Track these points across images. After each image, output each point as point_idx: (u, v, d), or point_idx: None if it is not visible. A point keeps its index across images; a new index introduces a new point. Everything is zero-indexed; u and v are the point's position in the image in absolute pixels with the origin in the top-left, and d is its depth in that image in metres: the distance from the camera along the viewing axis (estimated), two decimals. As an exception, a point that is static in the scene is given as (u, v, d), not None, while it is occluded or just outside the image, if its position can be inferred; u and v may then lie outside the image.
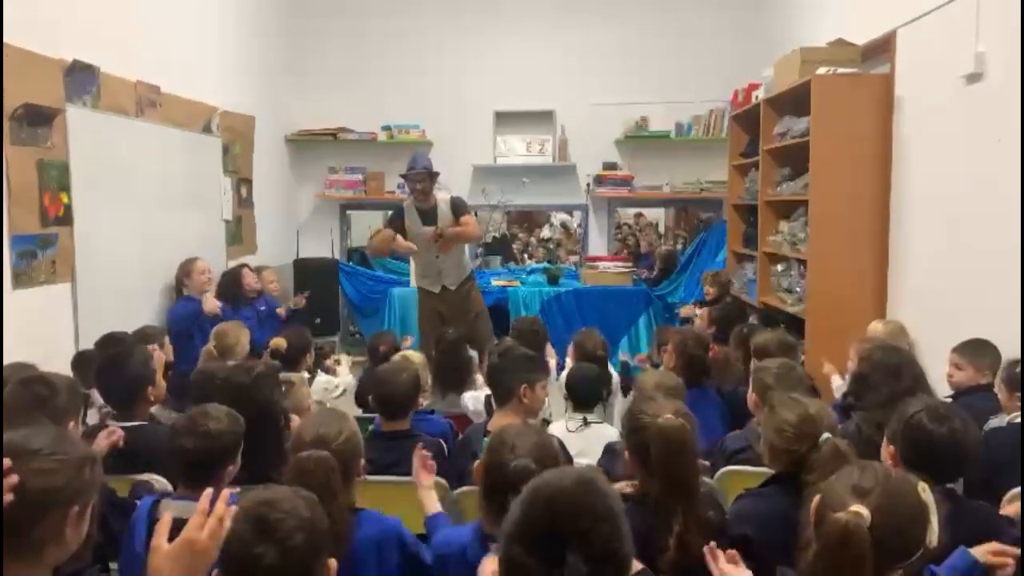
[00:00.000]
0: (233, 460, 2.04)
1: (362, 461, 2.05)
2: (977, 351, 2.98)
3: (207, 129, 5.25)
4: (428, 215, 4.79)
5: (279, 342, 4.06)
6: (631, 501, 1.82)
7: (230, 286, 4.94)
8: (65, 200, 3.73)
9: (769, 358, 2.90)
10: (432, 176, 4.79)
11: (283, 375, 3.14)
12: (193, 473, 1.98)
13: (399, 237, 4.71)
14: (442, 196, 4.87)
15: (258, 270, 5.28)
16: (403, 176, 4.91)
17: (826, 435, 1.89)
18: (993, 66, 3.28)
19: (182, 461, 1.99)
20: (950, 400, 2.76)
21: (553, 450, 1.93)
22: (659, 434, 1.87)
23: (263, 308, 5.01)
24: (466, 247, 5.23)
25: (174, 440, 2.00)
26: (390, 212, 5.19)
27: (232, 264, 5.33)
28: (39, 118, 3.53)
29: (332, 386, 3.85)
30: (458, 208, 4.81)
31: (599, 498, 1.16)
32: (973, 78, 3.39)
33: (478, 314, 4.99)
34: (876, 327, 3.71)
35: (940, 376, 3.03)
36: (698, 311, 5.13)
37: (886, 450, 1.98)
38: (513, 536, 1.12)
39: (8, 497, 1.34)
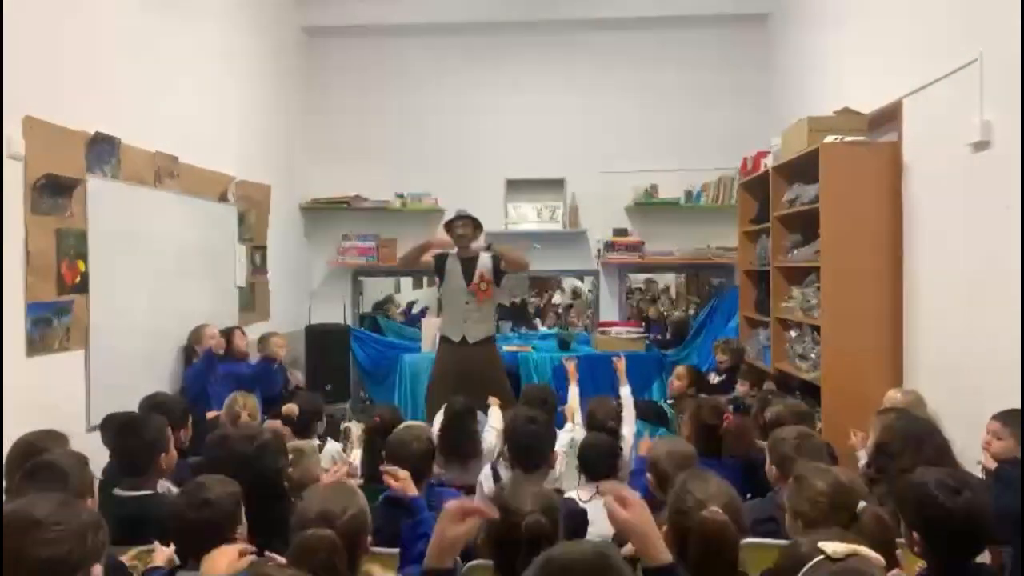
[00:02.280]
0: (240, 521, 2.06)
1: (369, 538, 2.00)
2: (1017, 420, 2.79)
3: (223, 198, 5.34)
4: (469, 265, 4.90)
5: (290, 408, 4.01)
6: None
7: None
8: (82, 268, 3.77)
9: (783, 427, 2.84)
10: (475, 224, 4.92)
11: (292, 444, 3.10)
12: (204, 543, 1.96)
13: (439, 239, 4.97)
14: (483, 250, 4.94)
15: (267, 336, 5.28)
16: (446, 225, 5.00)
17: (862, 504, 1.82)
18: (1000, 134, 3.31)
19: (190, 534, 1.99)
20: (983, 475, 2.67)
21: (555, 502, 1.96)
22: (700, 528, 1.72)
23: (221, 372, 4.72)
24: (495, 309, 5.23)
25: (179, 517, 2.00)
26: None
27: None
28: (60, 188, 3.60)
29: (341, 455, 3.79)
30: (498, 256, 4.87)
31: (613, 572, 1.13)
32: (980, 146, 3.42)
33: (499, 381, 4.81)
34: (894, 396, 3.62)
35: (964, 445, 2.95)
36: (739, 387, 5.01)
37: (907, 534, 1.90)
38: None
39: None
